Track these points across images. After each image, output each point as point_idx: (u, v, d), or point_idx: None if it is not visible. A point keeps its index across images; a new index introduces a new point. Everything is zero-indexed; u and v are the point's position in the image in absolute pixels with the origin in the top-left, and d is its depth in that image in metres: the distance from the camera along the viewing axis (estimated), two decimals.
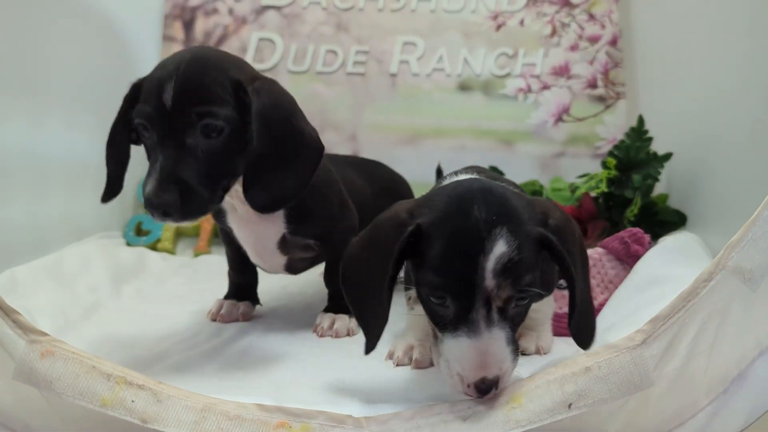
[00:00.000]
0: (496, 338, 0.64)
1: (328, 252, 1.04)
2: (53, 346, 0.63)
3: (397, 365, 0.84)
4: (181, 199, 0.76)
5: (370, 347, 0.70)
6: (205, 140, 0.78)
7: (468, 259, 0.63)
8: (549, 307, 0.91)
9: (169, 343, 0.92)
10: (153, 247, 1.66)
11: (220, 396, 0.64)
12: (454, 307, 0.65)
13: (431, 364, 0.83)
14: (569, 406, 0.59)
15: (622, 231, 1.11)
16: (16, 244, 1.20)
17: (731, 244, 0.63)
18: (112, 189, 0.90)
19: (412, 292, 0.84)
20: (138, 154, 0.89)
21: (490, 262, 0.63)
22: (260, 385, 0.77)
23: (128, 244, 1.65)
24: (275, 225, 0.96)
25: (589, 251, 1.08)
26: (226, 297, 1.09)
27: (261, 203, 0.82)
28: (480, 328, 0.64)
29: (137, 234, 1.69)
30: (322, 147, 0.87)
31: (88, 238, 1.49)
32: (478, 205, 0.65)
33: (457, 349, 0.64)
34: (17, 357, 0.62)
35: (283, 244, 0.99)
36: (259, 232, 0.98)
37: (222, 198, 0.83)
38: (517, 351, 0.66)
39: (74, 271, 1.21)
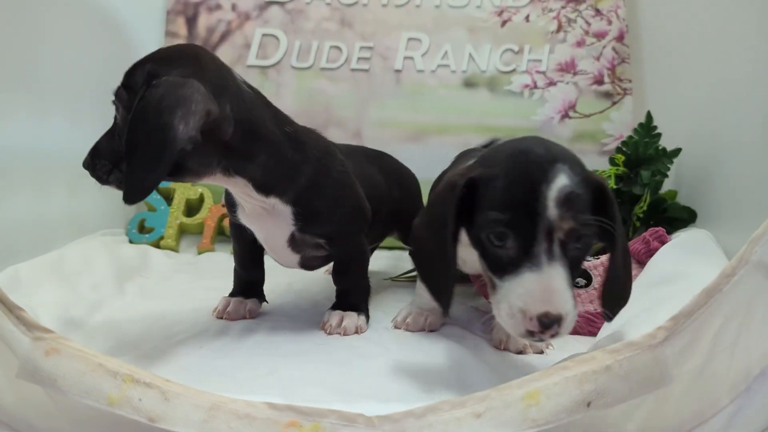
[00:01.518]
0: (559, 273, 0.64)
1: (336, 251, 1.03)
2: (58, 344, 0.61)
3: (395, 327, 1.00)
4: (91, 161, 0.84)
5: (445, 307, 0.72)
6: (120, 118, 0.84)
7: (530, 188, 0.64)
8: None
9: (175, 341, 0.91)
10: (156, 245, 1.65)
11: (229, 394, 0.63)
12: (516, 243, 0.65)
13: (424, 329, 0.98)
14: (588, 404, 0.58)
15: (645, 232, 1.10)
16: (18, 241, 1.19)
17: (755, 238, 0.61)
18: None
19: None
20: None
21: (553, 191, 0.64)
22: (269, 383, 0.75)
23: (131, 241, 1.64)
24: (283, 223, 0.95)
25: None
26: (233, 294, 1.08)
27: (124, 193, 0.77)
28: (542, 261, 0.64)
29: (140, 231, 1.68)
30: (175, 142, 0.76)
31: (90, 235, 1.47)
32: (537, 147, 0.68)
33: (519, 285, 0.65)
34: (21, 355, 0.60)
35: (293, 243, 0.98)
36: (268, 230, 0.97)
37: (106, 180, 0.85)
38: (574, 299, 0.66)
39: (77, 268, 1.19)
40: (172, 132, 0.76)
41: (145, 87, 0.78)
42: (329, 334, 0.97)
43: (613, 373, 0.59)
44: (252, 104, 0.87)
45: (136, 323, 1.00)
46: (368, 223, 1.04)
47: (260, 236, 1.00)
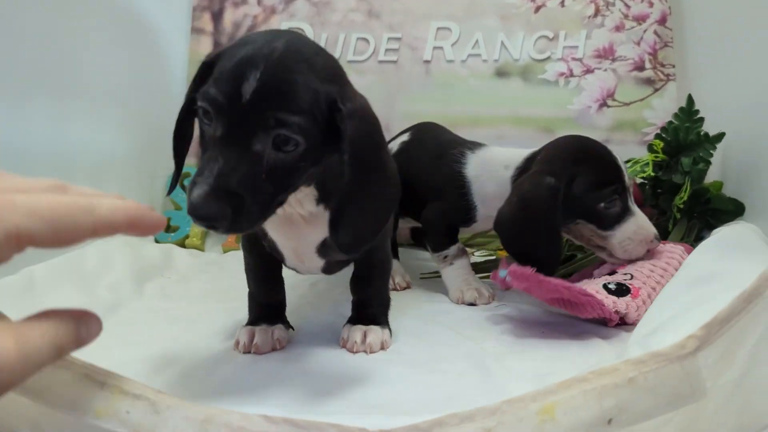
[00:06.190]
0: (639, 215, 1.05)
1: (364, 256, 0.91)
2: None
3: (459, 302, 1.12)
4: (232, 213, 0.64)
5: (553, 270, 0.98)
6: (274, 151, 0.66)
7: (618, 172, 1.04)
8: None
9: (186, 345, 0.88)
10: (181, 244, 1.64)
11: (228, 405, 0.59)
12: (620, 204, 1.02)
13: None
14: (609, 421, 0.52)
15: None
16: None
17: None
18: (177, 181, 0.82)
19: (449, 251, 1.17)
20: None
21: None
22: (272, 394, 0.71)
23: (156, 240, 1.63)
24: (319, 229, 0.84)
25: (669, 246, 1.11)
26: (253, 323, 0.91)
27: (345, 243, 0.71)
28: (634, 209, 1.05)
29: (166, 230, 1.67)
30: (399, 183, 0.78)
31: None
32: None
33: (634, 224, 1.03)
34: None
35: (323, 248, 0.88)
36: (301, 236, 0.86)
37: (274, 213, 0.72)
38: None
39: (95, 269, 1.18)
40: (389, 171, 0.77)
41: (338, 118, 0.71)
42: (355, 352, 0.87)
43: (637, 386, 0.53)
44: None
45: (148, 325, 0.98)
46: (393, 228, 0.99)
47: (288, 244, 0.89)
